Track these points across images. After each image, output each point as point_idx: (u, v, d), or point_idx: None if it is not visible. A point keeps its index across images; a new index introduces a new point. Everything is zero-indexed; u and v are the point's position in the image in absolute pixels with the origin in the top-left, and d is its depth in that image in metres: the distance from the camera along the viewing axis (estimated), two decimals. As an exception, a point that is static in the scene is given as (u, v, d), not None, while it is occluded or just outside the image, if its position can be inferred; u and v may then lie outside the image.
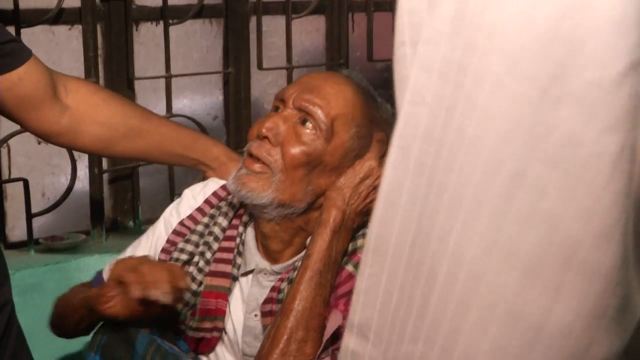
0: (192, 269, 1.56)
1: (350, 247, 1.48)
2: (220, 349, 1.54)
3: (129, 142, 1.68)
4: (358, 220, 1.46)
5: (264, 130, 1.45)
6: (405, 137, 0.91)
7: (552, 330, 0.83)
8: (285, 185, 1.44)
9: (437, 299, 0.88)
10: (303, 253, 1.50)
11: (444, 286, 0.87)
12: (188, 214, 1.60)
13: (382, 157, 1.47)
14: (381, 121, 1.50)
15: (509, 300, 0.84)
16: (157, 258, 1.57)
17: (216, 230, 1.57)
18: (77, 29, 2.60)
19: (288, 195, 1.45)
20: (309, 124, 1.44)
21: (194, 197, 1.64)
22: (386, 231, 0.92)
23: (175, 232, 1.58)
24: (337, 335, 1.37)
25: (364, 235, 1.49)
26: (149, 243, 1.63)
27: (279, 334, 1.37)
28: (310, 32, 3.16)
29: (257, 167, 1.46)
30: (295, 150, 1.44)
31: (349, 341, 0.97)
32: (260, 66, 2.86)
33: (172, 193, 2.74)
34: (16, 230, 2.58)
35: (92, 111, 1.65)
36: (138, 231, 2.66)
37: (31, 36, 2.46)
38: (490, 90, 0.83)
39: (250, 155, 1.47)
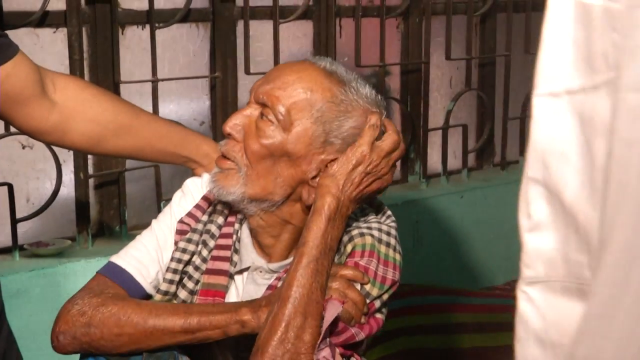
0: (189, 267, 1.54)
1: (349, 248, 1.47)
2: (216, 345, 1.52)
3: (119, 139, 1.65)
4: (352, 207, 1.44)
5: (227, 129, 1.47)
6: None
7: None
8: (252, 179, 1.45)
9: None
10: None
11: None
12: (188, 210, 1.59)
13: (375, 140, 1.46)
14: (349, 102, 1.47)
15: None
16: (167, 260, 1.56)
17: (212, 227, 1.55)
18: (62, 32, 2.58)
19: (258, 189, 1.45)
20: (267, 117, 1.44)
21: (194, 191, 1.62)
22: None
23: (177, 231, 1.57)
24: (335, 325, 1.36)
25: (361, 235, 1.47)
26: (166, 236, 1.59)
27: (277, 321, 1.35)
28: (297, 37, 3.15)
29: (225, 164, 1.47)
30: (254, 143, 1.44)
31: None
32: (247, 71, 2.84)
33: (159, 198, 2.71)
34: (0, 236, 2.55)
35: (81, 108, 1.62)
36: (124, 237, 2.63)
37: (15, 38, 2.42)
38: None
39: (222, 154, 1.49)
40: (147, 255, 1.55)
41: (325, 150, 1.46)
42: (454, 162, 3.60)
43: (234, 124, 1.47)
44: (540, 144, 0.88)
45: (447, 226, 3.35)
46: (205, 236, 1.55)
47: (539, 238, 0.90)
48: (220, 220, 1.56)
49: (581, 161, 0.85)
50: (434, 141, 3.50)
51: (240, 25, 2.89)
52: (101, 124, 1.63)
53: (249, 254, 1.54)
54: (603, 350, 0.84)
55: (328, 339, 1.36)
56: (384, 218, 1.56)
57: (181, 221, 1.57)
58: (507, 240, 3.54)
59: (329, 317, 1.35)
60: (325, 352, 1.34)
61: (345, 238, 1.49)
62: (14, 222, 2.45)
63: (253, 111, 1.47)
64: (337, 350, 1.38)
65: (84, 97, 1.62)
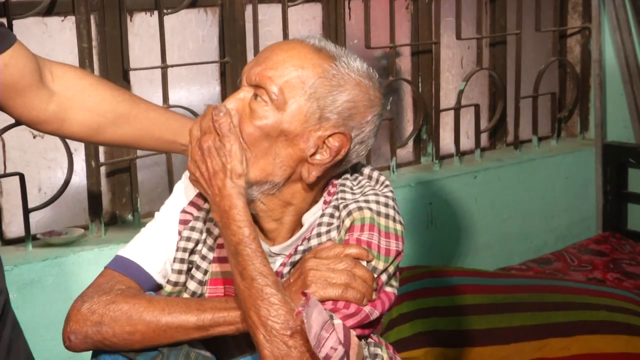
0: (195, 257, 1.53)
1: (348, 222, 1.45)
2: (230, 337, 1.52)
3: (118, 128, 1.64)
4: (234, 188, 1.44)
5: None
6: None
7: None
8: (251, 163, 1.44)
9: None
10: (300, 232, 1.49)
11: None
12: (190, 198, 1.58)
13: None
14: (341, 76, 1.45)
15: None
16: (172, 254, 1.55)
17: None
18: (70, 20, 2.56)
19: (258, 172, 1.44)
20: (260, 98, 1.43)
21: None
22: None
23: (180, 221, 1.55)
24: (347, 306, 1.36)
25: (359, 209, 1.46)
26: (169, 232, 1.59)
27: (250, 327, 1.37)
28: (306, 20, 3.12)
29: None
30: (249, 126, 1.43)
31: None
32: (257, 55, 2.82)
33: (171, 185, 2.70)
34: (13, 226, 2.55)
35: (79, 97, 1.60)
36: (137, 225, 2.63)
37: (23, 28, 2.42)
38: None
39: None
40: (154, 246, 1.54)
41: (322, 126, 1.44)
42: (466, 143, 3.57)
43: (228, 108, 1.45)
44: None
45: (461, 207, 3.33)
46: (209, 224, 1.54)
47: None
48: None
49: None
50: (446, 122, 3.48)
51: (249, 10, 2.86)
52: (100, 113, 1.62)
53: None
54: None
55: (336, 325, 1.33)
56: (379, 186, 1.53)
57: (184, 210, 1.56)
58: (521, 219, 3.52)
59: (313, 310, 1.33)
60: (331, 340, 1.31)
61: (344, 212, 1.47)
62: (27, 212, 2.45)
63: (246, 94, 1.46)
64: (353, 333, 1.36)
65: (82, 86, 1.61)
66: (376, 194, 1.50)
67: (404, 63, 3.40)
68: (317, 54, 1.45)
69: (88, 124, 1.62)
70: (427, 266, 2.96)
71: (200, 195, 1.57)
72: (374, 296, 1.40)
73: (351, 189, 1.51)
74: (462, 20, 3.37)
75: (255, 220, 1.52)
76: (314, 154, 1.45)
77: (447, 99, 3.50)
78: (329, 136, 1.45)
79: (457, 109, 3.42)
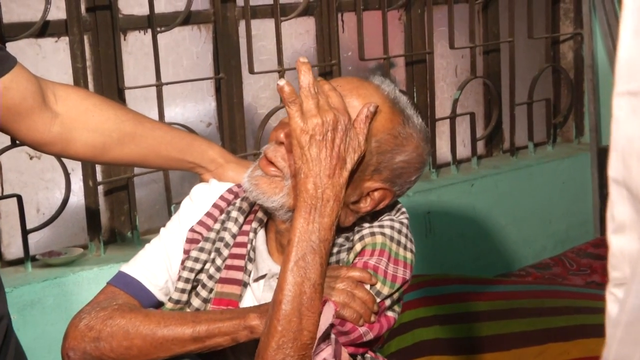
0: (202, 276, 1.53)
1: (359, 247, 1.45)
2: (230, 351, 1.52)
3: (123, 147, 1.65)
4: (336, 190, 1.38)
5: (282, 136, 1.43)
6: None
7: None
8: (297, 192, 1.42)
9: None
10: None
11: None
12: (198, 218, 1.57)
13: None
14: (407, 137, 1.46)
15: None
16: (175, 268, 1.54)
17: (226, 236, 1.54)
18: (64, 41, 2.58)
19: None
20: None
21: (202, 198, 1.61)
22: None
23: (187, 240, 1.55)
24: (343, 325, 1.35)
25: (372, 234, 1.46)
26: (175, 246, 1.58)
27: (273, 326, 1.33)
28: (300, 34, 3.14)
29: (271, 170, 1.45)
30: None
31: None
32: (251, 70, 2.84)
33: (169, 202, 2.71)
34: (12, 247, 2.56)
35: (83, 117, 1.61)
36: (136, 242, 2.63)
37: (17, 50, 2.44)
38: None
39: (266, 157, 1.46)
40: (156, 263, 1.54)
41: (373, 178, 1.45)
42: (463, 151, 3.58)
43: (289, 133, 1.42)
44: (620, 144, 0.85)
45: (459, 215, 3.34)
46: (218, 244, 1.53)
47: (623, 240, 0.87)
48: (234, 229, 1.55)
49: None
50: (442, 130, 3.49)
51: (242, 25, 2.88)
52: (104, 133, 1.63)
53: (265, 262, 1.53)
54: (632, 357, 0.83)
55: (332, 339, 1.34)
56: (397, 214, 1.54)
57: (192, 230, 1.55)
58: (519, 226, 3.53)
59: (323, 321, 1.33)
60: (326, 353, 1.33)
61: (356, 237, 1.47)
62: (25, 233, 2.45)
63: None
64: (344, 350, 1.37)
65: (85, 107, 1.62)
66: (392, 220, 1.50)
67: (399, 74, 3.41)
68: (391, 108, 1.44)
69: (93, 144, 1.62)
70: (426, 275, 2.97)
71: (209, 214, 1.57)
72: (372, 319, 1.40)
73: (370, 217, 1.52)
74: (455, 30, 3.38)
75: (277, 236, 1.52)
76: (356, 202, 1.46)
77: (443, 108, 3.51)
78: (375, 190, 1.46)
79: (452, 117, 3.43)
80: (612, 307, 0.87)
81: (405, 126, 1.45)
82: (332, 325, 1.34)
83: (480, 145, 3.68)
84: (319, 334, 1.33)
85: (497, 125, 3.67)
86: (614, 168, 0.86)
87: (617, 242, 0.88)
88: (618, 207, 0.87)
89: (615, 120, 0.85)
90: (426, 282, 2.88)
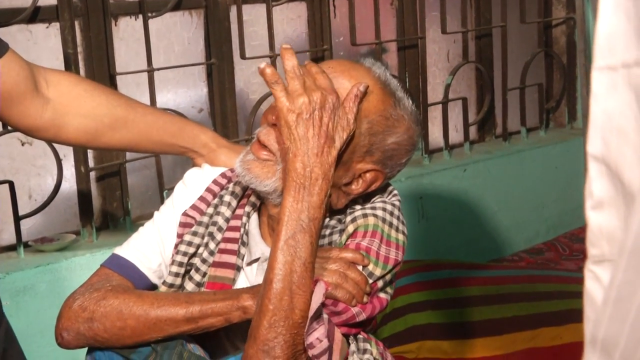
0: (195, 259, 1.53)
1: (352, 228, 1.46)
2: (224, 334, 1.52)
3: (115, 132, 1.64)
4: (324, 169, 1.36)
5: (274, 118, 1.43)
6: None
7: None
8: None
9: None
10: None
11: None
12: (191, 203, 1.58)
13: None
14: (398, 118, 1.46)
15: None
16: (169, 252, 1.54)
17: (219, 220, 1.54)
18: (55, 27, 2.56)
19: None
20: None
21: (196, 183, 1.61)
22: None
23: (181, 224, 1.55)
24: (335, 305, 1.35)
25: (364, 216, 1.46)
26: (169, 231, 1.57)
27: (264, 305, 1.33)
28: (291, 19, 3.13)
29: (263, 154, 1.44)
30: None
31: (590, 359, 0.84)
32: (243, 56, 2.83)
33: (162, 188, 2.71)
34: (4, 233, 2.56)
35: (75, 103, 1.61)
36: (129, 228, 2.63)
37: (8, 36, 2.42)
38: None
39: (258, 140, 1.45)
40: (150, 247, 1.54)
41: (364, 160, 1.45)
42: (455, 136, 3.59)
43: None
44: (599, 120, 0.84)
45: (452, 200, 3.34)
46: (212, 228, 1.54)
47: (602, 216, 0.86)
48: (227, 212, 1.55)
49: (639, 138, 0.82)
50: (435, 116, 3.49)
51: (233, 11, 2.87)
52: (96, 118, 1.62)
53: (258, 245, 1.53)
54: (620, 333, 0.82)
55: (325, 319, 1.35)
56: (389, 196, 1.54)
57: (185, 214, 1.56)
58: (512, 211, 3.54)
59: (315, 300, 1.33)
60: (319, 332, 1.33)
61: (348, 218, 1.47)
62: (17, 219, 2.45)
63: None
64: (337, 330, 1.37)
65: (77, 92, 1.61)
66: (384, 202, 1.50)
67: (391, 59, 3.41)
68: (382, 89, 1.44)
69: (85, 129, 1.62)
70: (419, 260, 2.97)
71: (202, 199, 1.57)
72: (365, 299, 1.40)
73: (362, 199, 1.52)
74: (447, 15, 3.38)
75: (269, 221, 1.52)
76: (348, 184, 1.46)
77: (435, 93, 3.51)
78: (367, 171, 1.46)
79: (444, 103, 3.43)
80: (590, 285, 0.87)
81: (396, 108, 1.45)
82: (323, 305, 1.35)
83: (473, 131, 3.68)
84: (311, 312, 1.33)
85: (490, 110, 3.68)
86: (593, 144, 0.85)
87: (596, 219, 0.87)
88: (597, 183, 0.86)
89: (594, 95, 0.84)
90: (419, 267, 2.88)
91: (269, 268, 1.35)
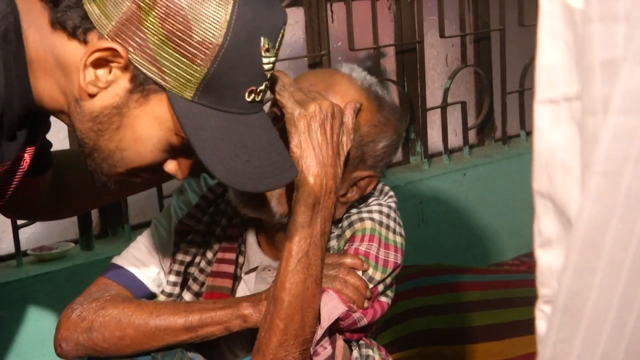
0: (193, 269, 1.52)
1: (349, 233, 1.45)
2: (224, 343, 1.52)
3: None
4: (336, 181, 1.37)
5: None
6: (614, 159, 0.70)
7: None
8: (285, 199, 1.41)
9: None
10: None
11: None
12: (187, 211, 1.57)
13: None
14: (386, 122, 1.45)
15: None
16: (167, 265, 1.53)
17: (217, 229, 1.53)
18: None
19: (289, 207, 1.41)
20: None
21: (192, 191, 1.60)
22: (583, 285, 0.74)
23: (177, 232, 1.54)
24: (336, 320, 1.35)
25: (360, 220, 1.46)
26: (163, 242, 1.56)
27: (274, 324, 1.32)
28: (289, 24, 3.08)
29: None
30: None
31: None
32: (241, 61, 2.82)
33: (161, 196, 2.70)
34: (3, 242, 2.55)
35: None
36: (128, 237, 2.62)
37: None
38: None
39: None
40: (148, 256, 1.54)
41: (358, 169, 1.45)
42: (454, 140, 3.58)
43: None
44: (543, 155, 0.81)
45: (452, 205, 3.33)
46: (209, 237, 1.53)
47: (551, 255, 0.83)
48: (223, 221, 1.54)
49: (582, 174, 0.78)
50: (434, 120, 3.49)
51: (231, 16, 2.86)
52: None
53: (256, 254, 1.52)
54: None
55: (330, 336, 1.34)
56: (383, 197, 1.54)
57: (181, 222, 1.55)
58: (512, 215, 3.53)
59: (327, 313, 1.33)
60: (323, 339, 1.33)
61: (345, 223, 1.47)
62: (16, 228, 2.44)
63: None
64: (339, 337, 1.37)
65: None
66: (379, 204, 1.50)
67: (389, 63, 3.40)
68: (367, 99, 1.43)
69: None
70: (420, 265, 2.97)
71: (197, 207, 1.56)
72: (366, 304, 1.40)
73: (357, 202, 1.51)
74: (445, 18, 3.38)
75: (268, 237, 1.51)
76: (344, 194, 1.45)
77: (434, 97, 3.51)
78: (362, 178, 1.45)
79: (443, 107, 3.43)
80: (540, 325, 0.84)
81: (382, 112, 1.45)
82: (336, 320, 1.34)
83: (472, 135, 3.67)
84: (327, 323, 1.32)
85: (489, 114, 3.67)
86: (538, 180, 0.82)
87: (545, 258, 0.84)
88: (544, 220, 0.83)
89: (537, 129, 0.81)
90: (420, 272, 2.88)
91: (279, 286, 1.34)
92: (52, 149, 1.54)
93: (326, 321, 1.32)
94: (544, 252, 0.83)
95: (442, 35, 3.39)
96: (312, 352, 1.33)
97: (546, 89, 0.81)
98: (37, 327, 2.35)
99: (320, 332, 1.32)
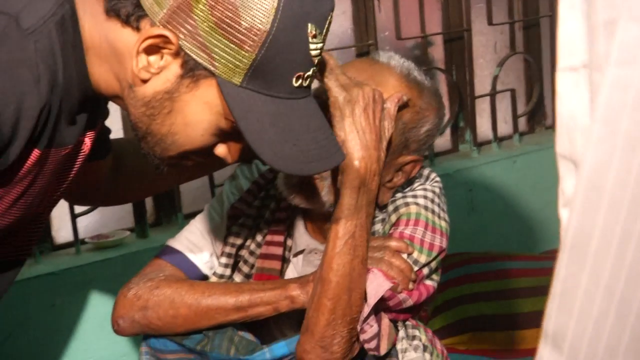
0: (244, 252, 1.56)
1: (394, 218, 1.47)
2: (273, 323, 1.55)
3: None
4: (380, 164, 1.39)
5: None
6: (612, 107, 0.75)
7: None
8: (334, 188, 1.44)
9: None
10: None
11: None
12: (239, 196, 1.61)
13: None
14: (427, 107, 1.47)
15: None
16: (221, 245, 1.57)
17: (266, 213, 1.57)
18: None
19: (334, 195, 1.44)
20: None
21: (244, 176, 1.64)
22: (588, 223, 0.78)
23: (229, 216, 1.59)
24: (381, 298, 1.37)
25: (406, 204, 1.48)
26: (216, 227, 1.60)
27: (322, 304, 1.36)
28: (336, 15, 3.13)
29: None
30: None
31: (542, 353, 0.84)
32: (290, 52, 2.85)
33: (212, 185, 2.75)
34: (62, 231, 2.62)
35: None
36: (181, 224, 2.67)
37: None
38: None
39: None
40: (201, 238, 1.58)
41: (402, 154, 1.47)
42: (504, 128, 3.57)
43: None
44: (565, 119, 0.85)
45: (502, 192, 3.33)
46: (258, 221, 1.57)
47: None
48: (272, 205, 1.57)
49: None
50: (483, 108, 3.48)
51: (279, 8, 2.89)
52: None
53: (302, 237, 1.56)
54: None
55: (377, 315, 1.37)
56: (428, 182, 1.55)
57: (233, 207, 1.59)
58: (563, 202, 3.50)
59: (373, 290, 1.35)
60: (369, 317, 1.35)
61: (390, 207, 1.49)
62: (74, 217, 2.51)
63: None
64: (385, 316, 1.39)
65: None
66: (424, 189, 1.52)
67: (437, 52, 3.40)
68: (407, 86, 1.46)
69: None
70: (470, 252, 2.97)
71: (249, 192, 1.60)
72: (410, 286, 1.42)
73: (402, 186, 1.54)
74: (493, 6, 3.36)
75: (314, 223, 1.55)
76: (390, 180, 1.48)
77: (482, 85, 3.50)
78: (407, 163, 1.48)
79: (492, 94, 3.42)
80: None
81: (422, 97, 1.46)
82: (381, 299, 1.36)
83: (522, 122, 3.65)
84: (373, 300, 1.35)
85: (539, 101, 3.65)
86: (560, 143, 0.86)
87: (567, 216, 0.87)
88: (566, 181, 0.87)
89: (559, 96, 0.85)
90: (470, 259, 2.88)
91: (326, 267, 1.37)
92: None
93: (372, 298, 1.34)
94: (567, 211, 0.87)
95: (490, 23, 3.38)
96: (359, 330, 1.35)
97: (566, 57, 0.84)
98: (95, 311, 2.42)
99: (367, 309, 1.35)
